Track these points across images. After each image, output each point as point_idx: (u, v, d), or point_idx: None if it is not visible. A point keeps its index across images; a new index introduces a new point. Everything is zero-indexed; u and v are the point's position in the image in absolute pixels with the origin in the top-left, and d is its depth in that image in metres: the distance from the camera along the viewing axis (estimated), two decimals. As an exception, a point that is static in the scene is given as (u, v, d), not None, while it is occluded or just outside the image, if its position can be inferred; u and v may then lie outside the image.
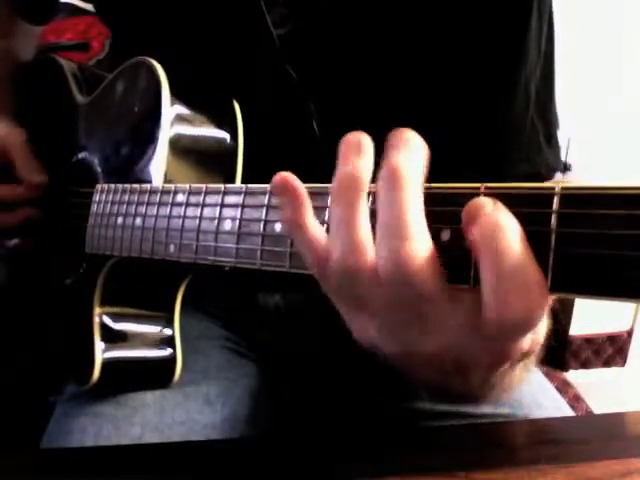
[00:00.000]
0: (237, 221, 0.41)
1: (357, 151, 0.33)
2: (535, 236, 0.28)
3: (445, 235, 0.31)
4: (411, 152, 0.32)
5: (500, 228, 0.28)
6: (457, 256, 0.31)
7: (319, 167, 0.39)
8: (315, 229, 0.34)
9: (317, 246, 0.34)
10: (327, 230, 0.35)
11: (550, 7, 0.57)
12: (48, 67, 0.72)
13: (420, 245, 0.31)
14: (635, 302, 0.26)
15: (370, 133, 0.33)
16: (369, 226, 0.32)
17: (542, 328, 0.35)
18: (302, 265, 0.37)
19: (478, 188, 0.31)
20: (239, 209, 0.41)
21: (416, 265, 0.30)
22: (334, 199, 0.33)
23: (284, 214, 0.35)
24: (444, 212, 0.32)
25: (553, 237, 0.28)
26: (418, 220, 0.31)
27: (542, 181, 0.32)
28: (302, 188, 0.34)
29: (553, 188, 0.28)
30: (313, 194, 0.36)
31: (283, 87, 0.56)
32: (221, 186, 0.43)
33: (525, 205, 0.29)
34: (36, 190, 0.66)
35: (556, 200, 0.28)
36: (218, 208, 0.43)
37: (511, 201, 0.29)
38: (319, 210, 0.36)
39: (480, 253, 0.29)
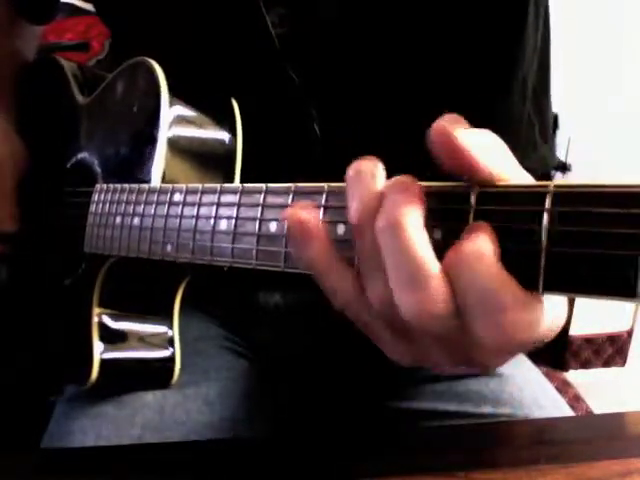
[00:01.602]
0: (233, 220, 0.41)
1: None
2: (527, 235, 0.28)
3: (437, 234, 0.30)
4: (409, 198, 0.30)
5: (464, 264, 0.28)
6: None
7: (319, 168, 0.39)
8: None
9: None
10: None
11: (546, 3, 0.58)
12: (49, 68, 0.72)
13: (438, 289, 0.29)
14: (628, 301, 0.26)
15: (370, 133, 0.33)
16: None
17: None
18: (296, 265, 0.36)
19: (469, 186, 0.30)
20: (235, 208, 0.41)
21: (437, 313, 0.29)
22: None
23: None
24: (435, 210, 0.31)
25: (545, 236, 0.27)
26: (428, 261, 0.29)
27: (537, 178, 0.32)
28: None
29: (546, 186, 0.28)
30: (312, 193, 0.36)
31: (283, 88, 0.56)
32: (217, 185, 0.43)
33: (517, 203, 0.29)
34: (5, 238, 0.66)
35: (548, 198, 0.27)
36: (214, 207, 0.42)
37: (503, 199, 0.29)
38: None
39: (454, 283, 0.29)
